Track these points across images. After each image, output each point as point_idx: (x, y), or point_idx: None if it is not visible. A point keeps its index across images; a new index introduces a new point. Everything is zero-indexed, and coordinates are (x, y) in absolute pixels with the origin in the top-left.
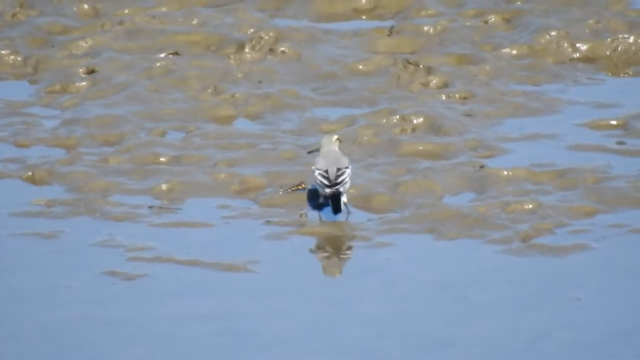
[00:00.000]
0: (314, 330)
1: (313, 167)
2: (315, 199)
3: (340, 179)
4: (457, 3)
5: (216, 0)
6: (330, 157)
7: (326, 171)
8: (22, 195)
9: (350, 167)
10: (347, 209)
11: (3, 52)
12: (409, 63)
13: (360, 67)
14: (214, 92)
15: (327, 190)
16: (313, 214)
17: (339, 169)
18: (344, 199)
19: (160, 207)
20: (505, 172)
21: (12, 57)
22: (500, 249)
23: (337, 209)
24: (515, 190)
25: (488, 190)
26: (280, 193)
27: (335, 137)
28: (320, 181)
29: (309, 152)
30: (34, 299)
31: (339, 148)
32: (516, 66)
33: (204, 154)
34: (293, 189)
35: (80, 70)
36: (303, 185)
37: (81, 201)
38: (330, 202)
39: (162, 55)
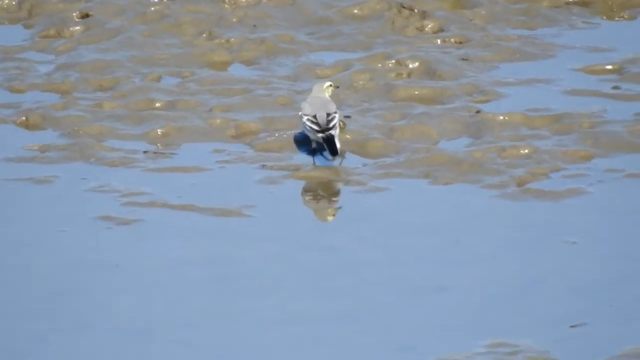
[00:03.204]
0: (309, 277)
1: (300, 113)
2: (307, 145)
3: (331, 124)
4: None
5: None
6: (316, 103)
7: (314, 116)
8: (16, 140)
9: (338, 112)
10: (342, 154)
11: None
12: (404, 7)
13: (355, 11)
14: (208, 37)
15: (319, 135)
16: (307, 159)
17: (328, 114)
18: (337, 144)
19: (155, 152)
20: (501, 117)
21: (6, 1)
22: (495, 193)
23: (333, 152)
24: (511, 135)
25: (484, 135)
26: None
27: (328, 84)
28: (310, 127)
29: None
30: (28, 244)
31: (335, 94)
32: (511, 11)
33: (199, 99)
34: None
35: (75, 14)
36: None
37: (76, 146)
38: (325, 146)
39: (156, 0)
